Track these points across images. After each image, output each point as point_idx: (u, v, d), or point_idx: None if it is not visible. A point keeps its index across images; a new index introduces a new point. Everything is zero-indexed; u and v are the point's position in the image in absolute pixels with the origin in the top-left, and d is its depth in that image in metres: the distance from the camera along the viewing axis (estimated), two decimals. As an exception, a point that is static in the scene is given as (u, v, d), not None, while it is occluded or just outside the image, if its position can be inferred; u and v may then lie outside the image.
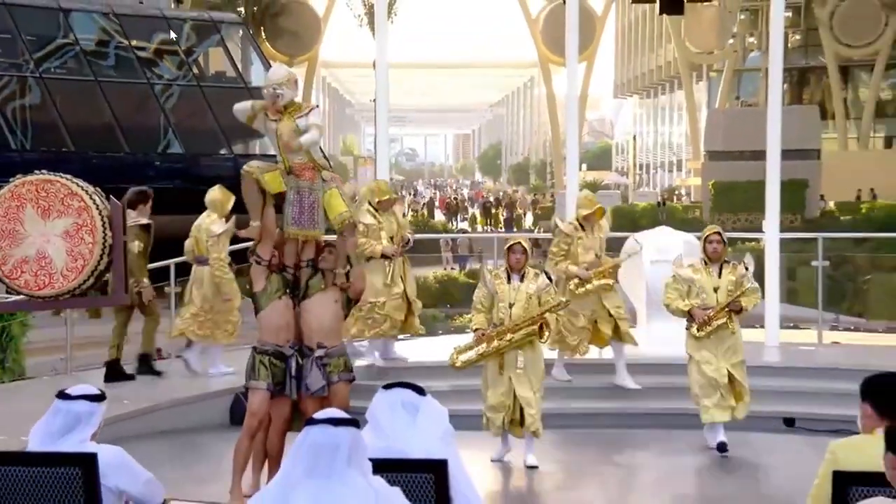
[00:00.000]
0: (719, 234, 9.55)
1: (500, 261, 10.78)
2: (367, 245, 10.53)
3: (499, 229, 49.06)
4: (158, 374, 11.28)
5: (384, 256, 10.69)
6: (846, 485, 4.36)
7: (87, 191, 6.93)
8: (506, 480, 8.67)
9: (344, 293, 7.75)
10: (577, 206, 10.95)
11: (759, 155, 13.44)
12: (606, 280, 10.59)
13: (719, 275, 9.37)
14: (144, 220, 10.73)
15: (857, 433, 4.65)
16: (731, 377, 9.22)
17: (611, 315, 10.58)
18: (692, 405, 10.57)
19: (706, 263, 9.47)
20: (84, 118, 28.32)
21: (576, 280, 10.47)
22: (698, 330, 9.25)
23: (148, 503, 5.10)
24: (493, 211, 54.64)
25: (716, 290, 9.30)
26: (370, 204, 10.88)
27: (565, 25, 12.91)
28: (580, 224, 10.70)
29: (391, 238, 10.78)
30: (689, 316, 9.32)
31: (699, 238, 9.87)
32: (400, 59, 67.30)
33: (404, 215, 11.29)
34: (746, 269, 9.41)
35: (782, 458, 8.71)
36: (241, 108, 7.69)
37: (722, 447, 9.18)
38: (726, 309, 9.22)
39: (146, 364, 11.24)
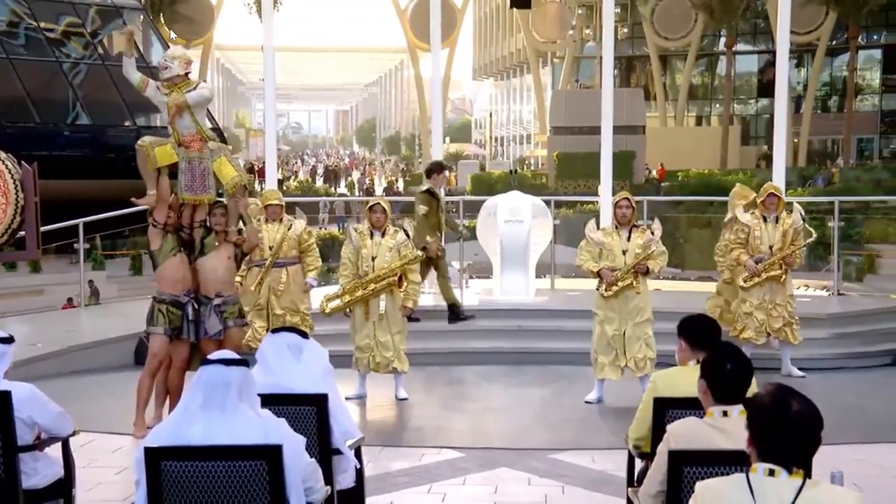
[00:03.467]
0: (628, 199, 8.81)
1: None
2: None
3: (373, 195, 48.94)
4: (470, 317, 11.08)
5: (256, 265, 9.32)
6: (664, 408, 4.51)
7: (-1, 157, 6.69)
8: (380, 411, 8.69)
9: (238, 248, 7.73)
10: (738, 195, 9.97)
11: (595, 130, 13.68)
12: (776, 272, 9.71)
13: (628, 238, 8.74)
14: (425, 187, 10.89)
15: (676, 365, 4.79)
16: (626, 336, 8.73)
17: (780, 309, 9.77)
18: (537, 344, 10.79)
19: (617, 227, 8.81)
20: (-2, 92, 27.17)
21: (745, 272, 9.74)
22: (606, 290, 8.74)
23: (59, 434, 4.97)
24: (369, 184, 54.53)
25: (624, 252, 8.69)
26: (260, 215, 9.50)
27: (430, 15, 12.91)
28: (762, 215, 9.83)
29: (270, 247, 9.32)
30: (599, 276, 8.81)
31: (613, 204, 8.93)
32: (286, 43, 66.27)
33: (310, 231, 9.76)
34: (653, 233, 8.80)
35: (616, 386, 8.90)
36: (132, 76, 7.58)
37: (599, 401, 8.80)
38: (632, 270, 8.67)
39: (454, 313, 10.99)
